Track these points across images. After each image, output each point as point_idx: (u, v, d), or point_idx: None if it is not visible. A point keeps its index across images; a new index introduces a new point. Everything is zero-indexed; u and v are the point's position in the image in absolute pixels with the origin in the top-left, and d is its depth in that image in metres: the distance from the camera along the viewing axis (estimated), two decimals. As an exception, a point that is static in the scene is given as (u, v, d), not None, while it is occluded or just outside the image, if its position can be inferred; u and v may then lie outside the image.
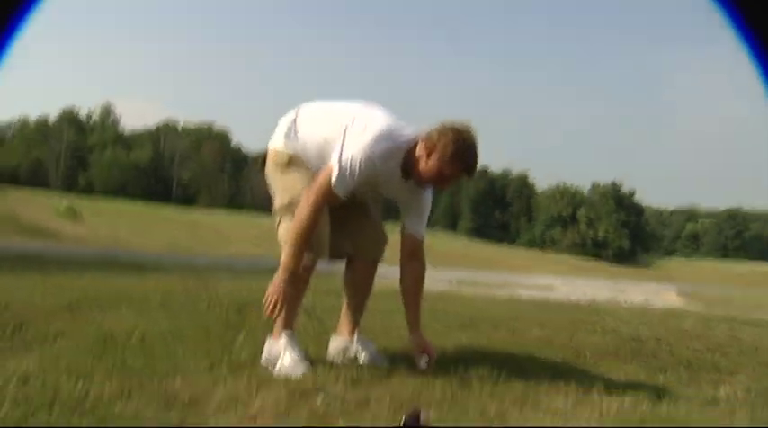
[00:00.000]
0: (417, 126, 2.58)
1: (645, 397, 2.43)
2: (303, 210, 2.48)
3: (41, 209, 25.26)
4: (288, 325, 2.63)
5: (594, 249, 74.29)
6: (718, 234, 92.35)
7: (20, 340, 2.66)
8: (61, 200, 29.47)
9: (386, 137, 2.48)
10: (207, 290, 4.51)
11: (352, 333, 2.79)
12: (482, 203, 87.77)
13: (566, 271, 30.59)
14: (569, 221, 78.96)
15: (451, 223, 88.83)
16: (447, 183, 2.56)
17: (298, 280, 2.58)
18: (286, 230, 2.58)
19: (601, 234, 75.88)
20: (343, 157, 2.45)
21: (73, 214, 25.65)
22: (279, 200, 2.64)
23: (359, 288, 2.85)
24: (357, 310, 2.85)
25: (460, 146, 2.41)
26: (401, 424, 1.75)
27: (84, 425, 1.72)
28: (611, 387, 2.53)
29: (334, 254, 2.78)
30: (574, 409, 2.21)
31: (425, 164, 2.45)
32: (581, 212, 78.07)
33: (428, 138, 2.46)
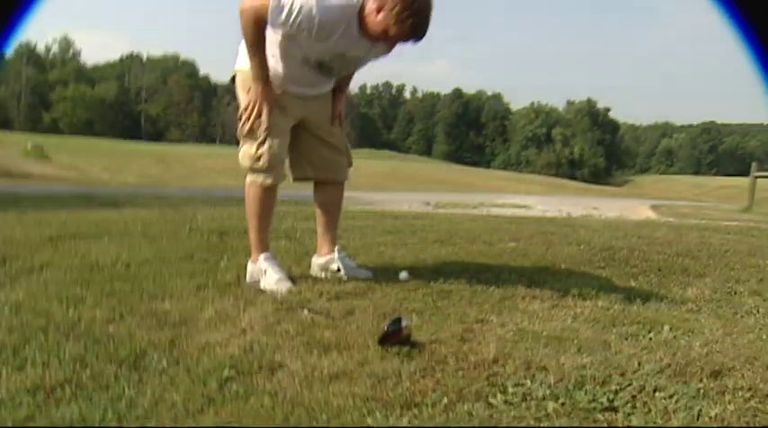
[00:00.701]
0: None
1: (617, 300, 2.56)
2: (245, 18, 2.41)
3: (7, 150, 24.59)
4: (263, 247, 2.70)
5: (570, 169, 75.15)
6: (693, 149, 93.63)
7: (5, 274, 2.68)
8: (27, 141, 28.66)
9: None
10: (185, 219, 4.52)
11: (331, 250, 2.86)
12: (456, 126, 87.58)
13: (541, 191, 30.96)
14: (544, 141, 79.38)
15: (426, 148, 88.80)
16: (393, 43, 2.46)
17: (267, 202, 2.66)
18: (245, 154, 2.62)
19: (576, 152, 76.59)
20: None
21: (40, 153, 25.06)
22: (240, 123, 2.64)
23: (328, 208, 2.92)
24: (331, 228, 2.91)
25: (410, 5, 2.28)
26: (383, 332, 1.83)
27: (77, 349, 1.77)
28: (585, 292, 2.65)
29: (298, 177, 2.87)
30: (549, 312, 2.33)
31: (373, 20, 2.35)
32: (556, 131, 78.40)
33: None
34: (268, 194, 2.65)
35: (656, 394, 1.53)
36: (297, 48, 2.50)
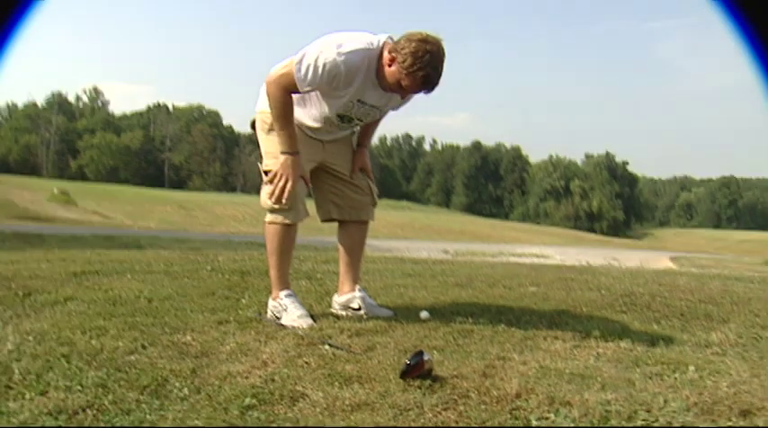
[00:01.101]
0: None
1: (639, 342, 2.52)
2: (271, 89, 2.51)
3: (34, 194, 25.16)
4: (284, 284, 2.72)
5: (588, 221, 74.70)
6: (712, 202, 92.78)
7: (30, 305, 2.72)
8: (53, 187, 29.32)
9: (355, 40, 2.45)
10: (206, 259, 4.57)
11: (352, 288, 2.87)
12: (475, 178, 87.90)
13: (559, 243, 30.75)
14: (563, 193, 79.25)
15: (445, 199, 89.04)
16: (406, 93, 2.51)
17: (287, 240, 2.69)
18: (266, 195, 2.66)
19: (595, 205, 76.25)
20: (309, 50, 2.44)
21: (66, 198, 25.56)
22: (262, 166, 2.70)
23: (352, 246, 2.94)
24: (354, 267, 2.93)
25: (420, 58, 2.33)
26: (405, 365, 1.82)
27: (100, 376, 1.78)
28: (607, 334, 2.62)
29: (324, 218, 2.92)
30: (571, 351, 2.30)
31: (388, 71, 2.43)
32: (575, 184, 78.32)
33: (394, 44, 2.42)
34: (288, 232, 2.68)
35: (684, 431, 1.50)
36: (317, 104, 2.60)
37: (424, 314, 2.75)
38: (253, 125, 2.80)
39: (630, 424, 1.52)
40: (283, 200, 2.60)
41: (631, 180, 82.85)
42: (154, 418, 1.51)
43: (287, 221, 2.63)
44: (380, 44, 2.46)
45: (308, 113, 2.62)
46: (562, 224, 69.51)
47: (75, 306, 2.72)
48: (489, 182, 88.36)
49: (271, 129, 2.65)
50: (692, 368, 2.09)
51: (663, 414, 1.59)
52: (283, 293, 2.68)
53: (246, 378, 1.82)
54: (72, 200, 26.03)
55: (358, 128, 2.83)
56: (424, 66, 2.34)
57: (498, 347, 2.28)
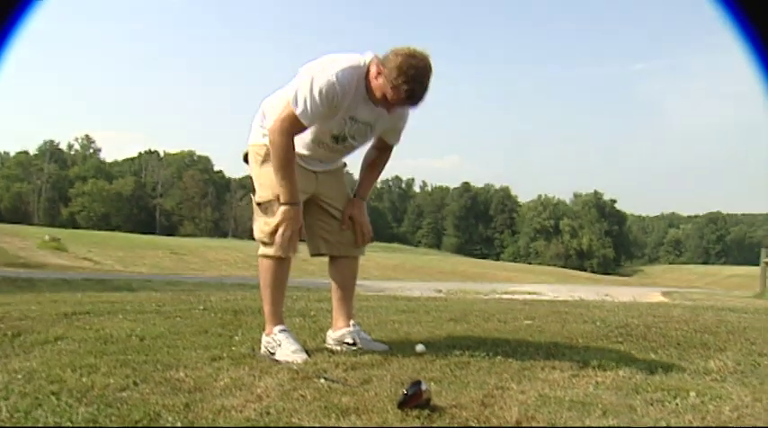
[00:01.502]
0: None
1: (638, 370, 2.49)
2: (274, 138, 2.51)
3: (25, 241, 24.91)
4: (277, 319, 2.69)
5: (579, 259, 74.80)
6: (700, 238, 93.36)
7: (19, 345, 2.67)
8: (44, 233, 29.07)
9: (341, 59, 2.48)
10: (199, 300, 4.52)
11: (346, 324, 2.84)
12: (465, 219, 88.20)
13: (551, 281, 30.66)
14: (553, 232, 79.57)
15: (436, 241, 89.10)
16: (391, 107, 2.50)
17: (281, 274, 2.67)
18: (260, 229, 2.65)
19: (585, 243, 76.52)
20: (299, 84, 2.45)
21: (57, 245, 25.32)
22: (255, 198, 2.69)
23: (344, 281, 2.91)
24: (346, 302, 2.89)
25: (405, 72, 2.34)
26: (403, 395, 1.80)
27: (90, 412, 1.74)
28: (605, 363, 2.59)
29: (314, 252, 2.88)
30: (570, 380, 2.27)
31: (375, 84, 2.44)
32: (564, 222, 78.74)
33: (382, 58, 2.44)
34: (281, 266, 2.66)
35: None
36: (311, 129, 2.58)
37: (419, 347, 2.72)
38: (245, 158, 2.80)
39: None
40: (282, 245, 2.58)
41: (620, 218, 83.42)
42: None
43: (279, 254, 2.62)
44: (367, 62, 2.49)
45: (300, 141, 2.62)
46: (553, 263, 69.49)
47: (66, 345, 2.67)
48: (479, 222, 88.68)
49: (264, 161, 2.66)
50: (692, 394, 2.08)
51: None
52: (277, 328, 2.65)
53: (241, 412, 1.78)
54: (63, 247, 25.77)
55: (351, 152, 2.80)
56: (408, 79, 2.35)
57: (496, 377, 2.25)
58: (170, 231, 70.44)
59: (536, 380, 2.24)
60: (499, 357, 2.61)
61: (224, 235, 70.25)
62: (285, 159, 2.52)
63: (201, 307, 4.04)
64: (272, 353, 2.59)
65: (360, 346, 2.75)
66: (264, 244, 2.64)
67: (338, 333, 2.84)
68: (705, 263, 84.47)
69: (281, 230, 2.56)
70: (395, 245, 71.93)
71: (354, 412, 1.77)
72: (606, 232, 78.06)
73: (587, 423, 1.65)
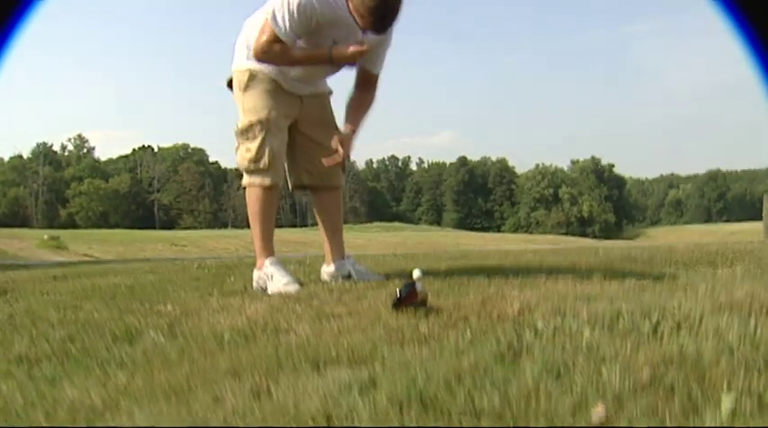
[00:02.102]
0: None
1: (645, 278, 2.40)
2: (263, 59, 2.47)
3: (24, 242, 24.85)
4: (269, 252, 2.59)
5: (581, 226, 74.73)
6: (701, 198, 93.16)
7: (6, 301, 2.56)
8: (43, 235, 28.99)
9: None
10: (194, 261, 4.44)
11: (341, 257, 2.75)
12: (464, 193, 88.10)
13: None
14: (552, 201, 79.48)
15: (436, 217, 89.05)
16: (363, 28, 2.40)
17: (268, 204, 2.57)
18: (242, 156, 2.55)
19: (585, 210, 76.49)
20: (276, 3, 2.37)
21: (56, 243, 25.25)
22: (239, 124, 2.59)
23: (329, 214, 2.82)
24: (336, 236, 2.80)
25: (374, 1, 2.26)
26: (396, 296, 1.71)
27: (67, 332, 1.65)
28: (610, 275, 2.47)
29: (296, 184, 2.78)
30: (575, 285, 2.18)
31: (350, 6, 2.35)
32: (563, 190, 78.57)
33: None
34: (269, 195, 2.56)
35: (704, 321, 1.38)
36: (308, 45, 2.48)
37: (416, 273, 2.61)
38: (230, 84, 2.69)
39: (645, 319, 1.39)
40: (257, 132, 2.49)
41: (619, 182, 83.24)
42: (123, 358, 1.37)
43: (267, 182, 2.51)
44: None
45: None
46: (555, 231, 69.43)
47: (53, 296, 2.58)
48: (478, 196, 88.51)
49: (247, 87, 2.56)
50: (702, 285, 1.98)
51: (679, 311, 1.47)
52: (268, 261, 2.55)
53: (228, 323, 1.69)
54: (62, 245, 25.69)
55: (336, 71, 2.68)
56: (375, 9, 2.28)
57: (496, 288, 2.16)
58: (169, 225, 70.35)
59: (538, 288, 2.15)
60: (499, 275, 2.52)
61: (224, 225, 70.12)
62: (288, 58, 2.47)
63: (196, 266, 3.95)
64: (265, 288, 2.50)
65: (356, 278, 2.66)
66: (249, 172, 2.54)
67: (332, 267, 2.75)
68: (707, 221, 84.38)
69: (355, 55, 2.44)
70: (395, 223, 71.82)
71: (347, 315, 1.68)
72: (606, 197, 77.92)
73: (594, 306, 1.55)
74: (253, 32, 2.54)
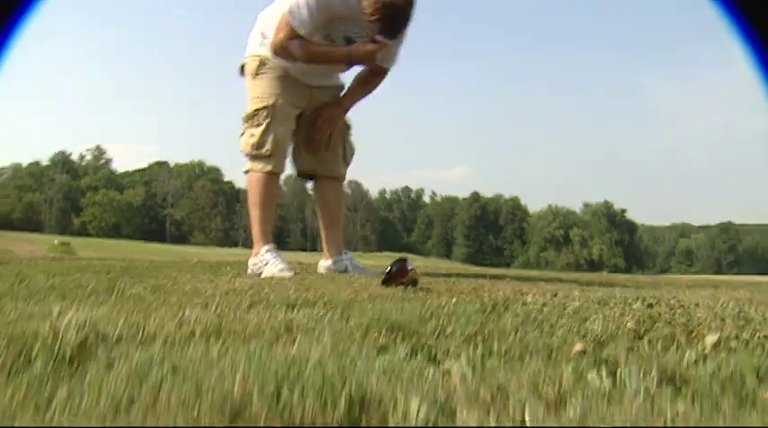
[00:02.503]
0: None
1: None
2: (282, 54, 2.49)
3: (35, 246, 25.06)
4: (266, 239, 2.59)
5: (590, 269, 74.12)
6: (712, 248, 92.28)
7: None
8: (54, 239, 29.23)
9: None
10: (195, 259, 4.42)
11: (339, 253, 2.74)
12: (475, 228, 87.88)
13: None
14: (563, 242, 79.09)
15: (446, 250, 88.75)
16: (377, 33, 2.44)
17: (269, 190, 2.58)
18: (245, 142, 2.56)
19: (595, 253, 75.99)
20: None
21: (66, 249, 25.40)
22: (246, 110, 2.60)
23: (329, 206, 2.82)
24: (335, 230, 2.80)
25: (379, 10, 2.30)
26: (387, 272, 1.67)
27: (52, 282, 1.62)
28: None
29: (301, 170, 2.79)
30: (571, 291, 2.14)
31: (361, 4, 2.37)
32: (574, 232, 78.23)
33: None
34: (270, 181, 2.56)
35: (699, 304, 1.33)
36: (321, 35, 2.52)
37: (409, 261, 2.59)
38: (242, 70, 2.70)
39: (638, 302, 1.34)
40: (262, 119, 2.49)
41: (630, 227, 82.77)
42: (103, 301, 1.34)
43: (268, 168, 2.51)
44: None
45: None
46: (564, 272, 68.93)
47: (46, 267, 2.57)
48: (489, 232, 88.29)
49: (257, 74, 2.58)
50: (703, 291, 1.93)
51: (675, 301, 1.42)
52: (265, 248, 2.54)
53: (213, 287, 1.66)
54: (72, 250, 25.81)
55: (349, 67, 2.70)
56: (383, 17, 2.33)
57: (491, 282, 2.12)
58: (180, 240, 70.68)
59: (535, 284, 2.11)
60: (497, 279, 2.49)
61: (234, 244, 70.31)
62: (310, 53, 2.50)
63: (195, 261, 3.93)
64: (260, 274, 2.47)
65: (352, 273, 2.63)
66: (252, 157, 2.54)
67: (330, 261, 2.73)
68: (717, 273, 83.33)
69: (372, 54, 2.47)
70: (405, 254, 71.56)
71: (334, 287, 1.64)
72: (617, 242, 77.48)
73: (588, 292, 1.51)
74: (267, 23, 2.57)
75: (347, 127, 2.81)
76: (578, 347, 0.77)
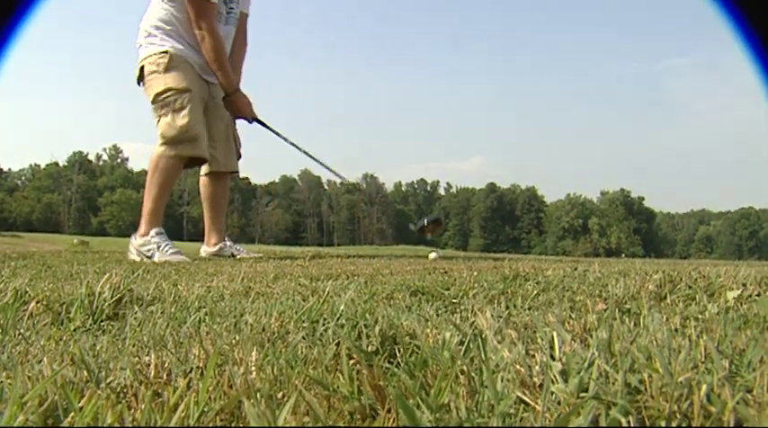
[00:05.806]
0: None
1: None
2: (206, 40, 2.60)
3: (54, 246, 25.43)
4: (157, 221, 2.67)
5: (608, 258, 73.70)
6: (732, 235, 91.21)
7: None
8: (72, 239, 29.54)
9: None
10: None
11: (222, 239, 2.91)
12: (492, 220, 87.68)
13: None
14: (581, 231, 78.64)
15: (462, 242, 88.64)
16: None
17: (175, 175, 2.74)
18: (169, 125, 2.63)
19: (613, 241, 75.51)
20: None
21: (85, 248, 25.72)
22: (160, 95, 2.66)
23: (217, 198, 3.05)
24: (219, 218, 3.00)
25: None
26: (421, 225, 1.73)
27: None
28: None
29: (211, 167, 3.04)
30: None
31: None
32: (592, 221, 77.74)
33: None
34: (178, 168, 2.70)
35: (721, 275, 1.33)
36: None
37: (433, 255, 2.61)
38: (140, 77, 2.76)
39: (658, 275, 1.35)
40: (177, 105, 2.57)
41: (648, 215, 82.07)
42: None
43: (187, 151, 2.61)
44: None
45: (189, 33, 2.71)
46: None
47: (69, 258, 2.62)
48: (506, 223, 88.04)
49: (169, 68, 2.63)
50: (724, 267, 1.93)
51: (700, 278, 1.42)
52: (154, 231, 2.64)
53: (235, 270, 1.69)
54: (91, 250, 26.15)
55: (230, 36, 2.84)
56: None
57: (510, 263, 2.13)
58: (197, 238, 71.12)
59: (558, 267, 2.11)
60: (517, 261, 2.49)
61: (251, 240, 70.75)
62: (222, 50, 2.63)
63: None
64: (150, 257, 2.54)
65: (239, 257, 2.77)
66: (174, 142, 2.63)
67: (214, 248, 2.90)
68: (738, 259, 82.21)
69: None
70: (421, 247, 71.72)
71: (352, 264, 1.66)
72: (635, 230, 76.88)
73: (610, 265, 1.51)
74: (148, 22, 2.69)
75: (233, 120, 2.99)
76: (601, 305, 0.78)
